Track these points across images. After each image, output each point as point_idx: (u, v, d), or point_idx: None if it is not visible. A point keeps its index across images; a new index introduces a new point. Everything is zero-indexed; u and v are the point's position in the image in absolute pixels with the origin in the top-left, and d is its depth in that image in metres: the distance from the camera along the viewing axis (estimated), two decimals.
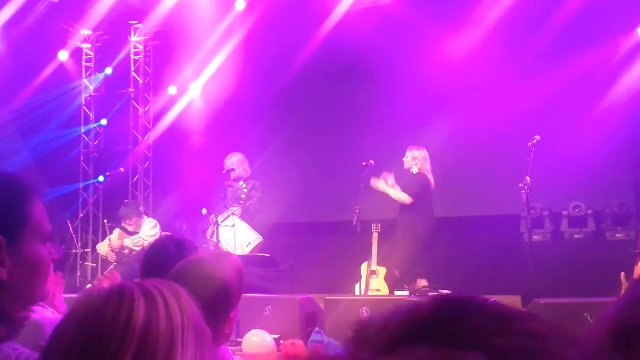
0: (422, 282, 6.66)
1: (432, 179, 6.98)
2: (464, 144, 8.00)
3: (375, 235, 6.96)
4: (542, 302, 4.85)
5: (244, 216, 7.26)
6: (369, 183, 6.93)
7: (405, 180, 7.05)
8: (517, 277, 7.32)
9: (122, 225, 7.57)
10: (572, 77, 7.32)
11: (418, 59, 8.08)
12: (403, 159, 7.03)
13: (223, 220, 7.03)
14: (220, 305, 1.78)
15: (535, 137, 6.35)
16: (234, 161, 7.53)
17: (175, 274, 1.77)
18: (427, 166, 6.99)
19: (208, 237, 7.22)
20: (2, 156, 7.87)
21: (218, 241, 6.82)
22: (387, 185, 6.93)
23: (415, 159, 6.97)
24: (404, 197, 6.90)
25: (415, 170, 7.00)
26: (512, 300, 6.57)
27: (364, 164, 7.00)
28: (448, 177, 8.08)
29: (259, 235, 7.16)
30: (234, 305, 1.86)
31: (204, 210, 7.18)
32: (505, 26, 7.65)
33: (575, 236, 7.57)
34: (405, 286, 6.76)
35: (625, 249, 6.06)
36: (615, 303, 0.66)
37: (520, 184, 6.28)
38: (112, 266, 7.33)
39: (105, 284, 2.75)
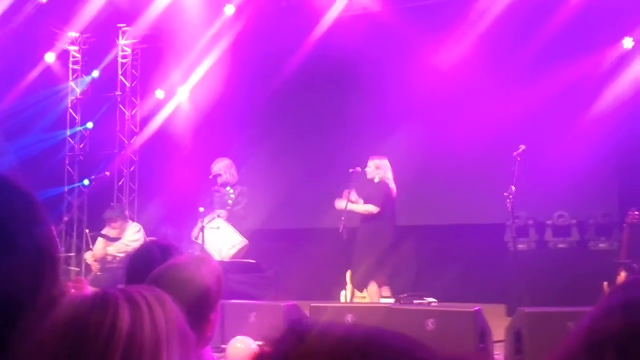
0: (373, 287, 6.67)
1: (394, 187, 6.96)
2: (449, 152, 8.03)
3: None
4: (526, 311, 4.87)
5: (230, 221, 7.24)
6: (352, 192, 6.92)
7: (368, 189, 7.02)
8: (501, 285, 7.35)
9: (107, 228, 7.51)
10: (558, 88, 7.38)
11: (407, 67, 8.12)
12: (366, 169, 6.99)
13: (208, 222, 7.00)
14: (200, 308, 1.77)
15: (520, 146, 6.39)
16: (221, 167, 7.52)
17: (154, 279, 1.77)
18: (389, 175, 6.98)
19: (193, 239, 7.19)
20: None
21: (203, 243, 6.79)
22: (352, 202, 6.86)
23: (379, 168, 6.95)
24: (370, 209, 6.82)
25: (377, 179, 6.99)
26: (497, 309, 6.61)
27: (351, 170, 6.99)
28: (433, 185, 8.12)
29: (244, 239, 7.14)
30: (214, 308, 1.86)
31: (201, 209, 7.06)
32: (493, 36, 7.71)
33: (559, 245, 7.60)
34: (363, 290, 6.74)
35: (609, 259, 6.11)
36: (589, 314, 0.66)
37: (505, 193, 6.32)
38: (95, 273, 7.28)
39: (72, 291, 2.70)
